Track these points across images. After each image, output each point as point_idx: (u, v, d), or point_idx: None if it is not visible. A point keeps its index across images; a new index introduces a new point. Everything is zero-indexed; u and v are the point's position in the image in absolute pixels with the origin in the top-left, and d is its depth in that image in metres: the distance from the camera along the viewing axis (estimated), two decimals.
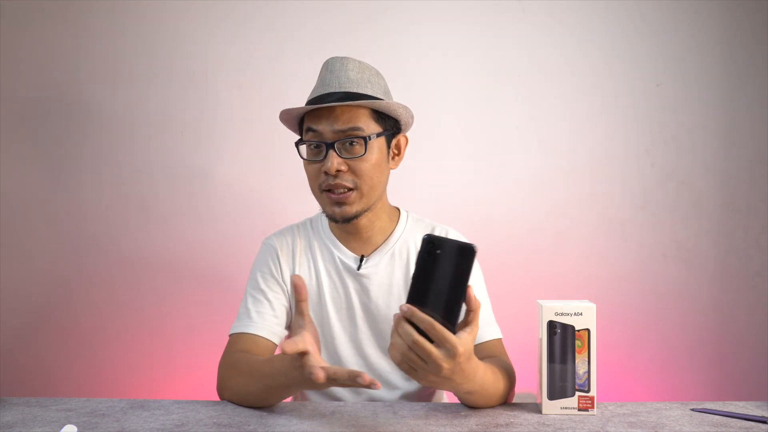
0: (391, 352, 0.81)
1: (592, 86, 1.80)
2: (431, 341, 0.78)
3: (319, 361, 0.83)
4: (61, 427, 0.88)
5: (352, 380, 0.79)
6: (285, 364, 0.89)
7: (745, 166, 1.80)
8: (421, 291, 0.78)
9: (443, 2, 1.78)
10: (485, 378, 0.92)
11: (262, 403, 0.99)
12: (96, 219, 1.80)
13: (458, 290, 0.78)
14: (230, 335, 1.13)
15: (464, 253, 0.78)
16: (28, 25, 1.76)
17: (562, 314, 0.95)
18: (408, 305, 0.78)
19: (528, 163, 1.81)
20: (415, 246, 1.18)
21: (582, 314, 0.94)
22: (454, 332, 0.79)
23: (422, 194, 1.76)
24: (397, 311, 0.80)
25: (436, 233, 1.19)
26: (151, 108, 1.79)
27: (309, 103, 1.11)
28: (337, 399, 1.17)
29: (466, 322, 0.82)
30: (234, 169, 1.80)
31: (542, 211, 1.81)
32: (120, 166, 1.79)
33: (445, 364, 0.79)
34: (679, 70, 1.80)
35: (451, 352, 0.78)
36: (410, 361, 0.79)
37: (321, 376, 0.80)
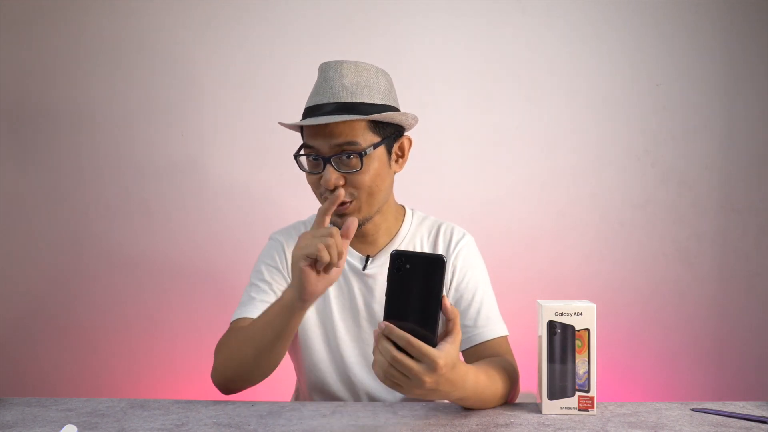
0: (374, 368, 0.81)
1: (593, 86, 1.80)
2: (412, 356, 0.78)
3: None
4: (61, 427, 0.88)
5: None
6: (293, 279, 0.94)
7: (745, 166, 1.80)
8: (396, 307, 0.79)
9: (443, 2, 1.78)
10: (477, 382, 0.91)
11: (264, 349, 1.00)
12: (96, 219, 1.80)
13: (433, 302, 0.79)
14: (231, 322, 1.13)
15: (434, 265, 0.78)
16: (28, 26, 1.76)
17: (562, 314, 0.95)
18: (385, 322, 0.78)
19: (528, 163, 1.81)
20: (420, 245, 1.18)
21: (582, 314, 0.94)
22: (435, 344, 0.79)
23: (422, 194, 1.75)
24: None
25: (441, 231, 1.19)
26: (151, 108, 1.79)
27: (305, 111, 1.09)
28: (337, 399, 1.17)
29: (447, 332, 0.82)
30: (233, 169, 1.80)
31: (542, 211, 1.81)
32: (120, 165, 1.79)
33: (427, 378, 0.78)
34: (679, 70, 1.80)
35: (431, 366, 0.78)
36: (393, 377, 0.79)
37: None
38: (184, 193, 1.80)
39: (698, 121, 1.80)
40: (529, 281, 1.80)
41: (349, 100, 1.05)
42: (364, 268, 1.15)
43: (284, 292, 0.98)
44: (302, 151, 1.09)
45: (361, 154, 1.04)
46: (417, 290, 0.79)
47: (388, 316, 0.79)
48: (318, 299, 1.16)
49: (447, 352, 0.79)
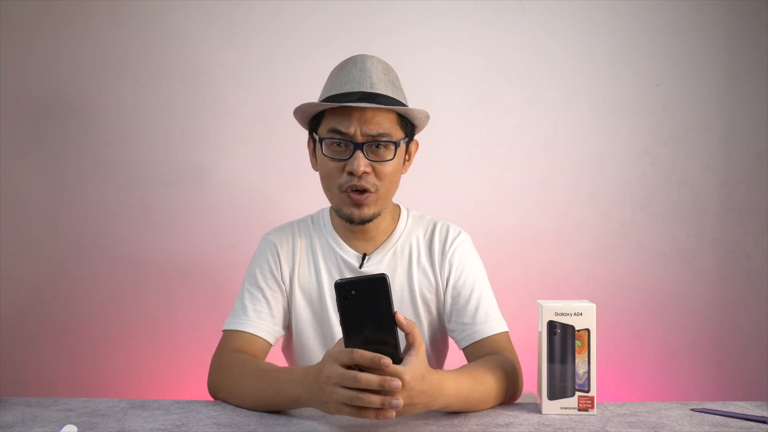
0: (342, 411, 0.80)
1: (593, 86, 1.80)
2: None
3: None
4: (61, 427, 0.88)
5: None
6: (309, 377, 0.85)
7: (745, 166, 1.80)
8: (353, 334, 0.80)
9: (443, 2, 1.78)
10: (459, 387, 0.91)
11: (262, 408, 0.98)
12: (96, 218, 1.80)
13: (387, 320, 0.80)
14: (224, 331, 1.12)
15: (377, 284, 0.80)
16: (28, 26, 1.76)
17: (562, 314, 0.95)
18: (352, 349, 0.78)
19: (528, 163, 1.81)
20: (417, 244, 1.18)
21: (582, 314, 0.94)
22: (400, 360, 0.80)
23: (423, 194, 1.76)
24: (397, 309, 0.81)
25: (437, 229, 1.19)
26: (151, 107, 1.79)
27: (332, 98, 1.07)
28: None
29: (408, 345, 0.82)
30: (233, 169, 1.80)
31: (542, 211, 1.81)
32: (120, 165, 1.79)
33: (399, 395, 0.78)
34: (679, 70, 1.80)
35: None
36: (366, 403, 0.78)
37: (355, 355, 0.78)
38: (184, 192, 1.80)
39: (698, 121, 1.80)
40: (529, 281, 1.80)
41: (383, 93, 1.06)
42: (361, 266, 1.15)
43: (296, 387, 0.89)
44: (331, 137, 1.07)
45: (396, 144, 1.07)
46: (369, 313, 0.80)
47: (347, 345, 0.80)
48: (314, 298, 1.16)
49: (412, 365, 0.80)
